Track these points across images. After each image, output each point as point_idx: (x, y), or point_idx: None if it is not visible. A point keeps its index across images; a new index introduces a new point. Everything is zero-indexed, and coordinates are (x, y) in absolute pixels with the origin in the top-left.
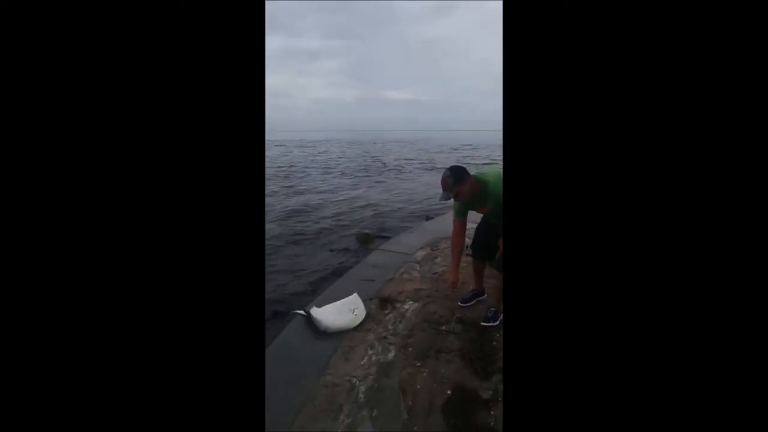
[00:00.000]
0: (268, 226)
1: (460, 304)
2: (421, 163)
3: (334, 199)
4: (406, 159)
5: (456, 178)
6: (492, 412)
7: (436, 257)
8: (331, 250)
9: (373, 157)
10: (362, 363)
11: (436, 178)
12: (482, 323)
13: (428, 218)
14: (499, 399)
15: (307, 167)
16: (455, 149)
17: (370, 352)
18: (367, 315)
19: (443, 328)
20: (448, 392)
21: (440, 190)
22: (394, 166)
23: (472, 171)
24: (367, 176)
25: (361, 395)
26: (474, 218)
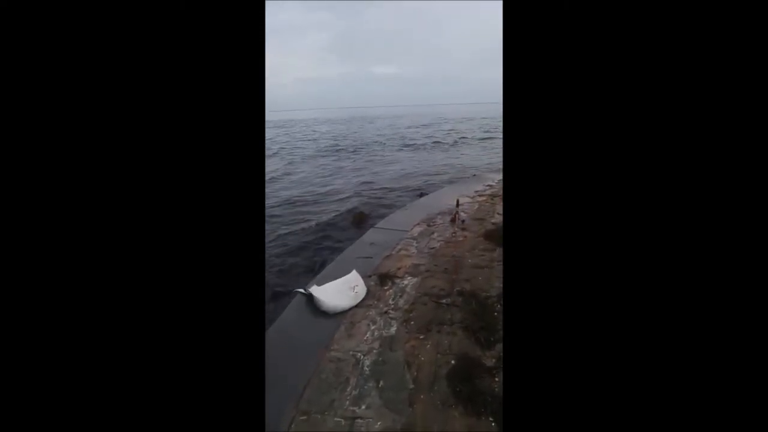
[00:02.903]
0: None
1: None
2: (393, 139)
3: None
4: (378, 137)
5: None
6: (497, 379)
7: (433, 233)
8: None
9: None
10: (365, 338)
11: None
12: None
13: (421, 195)
14: (502, 366)
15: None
16: (425, 125)
17: (372, 328)
18: (368, 292)
19: (444, 301)
20: (452, 362)
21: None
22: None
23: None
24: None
25: (366, 368)
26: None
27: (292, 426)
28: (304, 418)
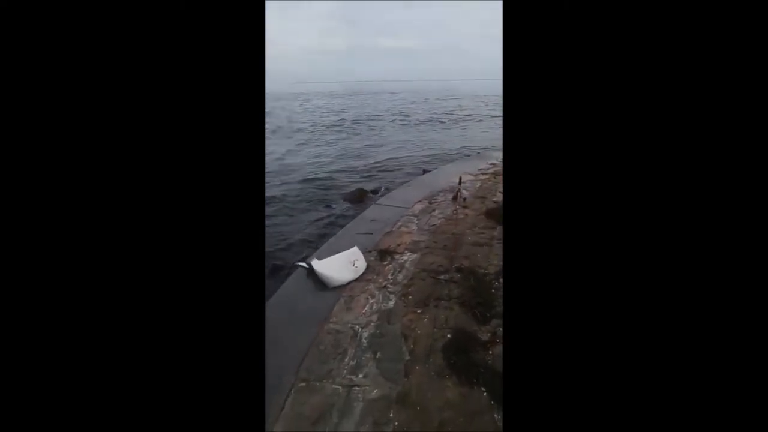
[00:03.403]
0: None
1: None
2: (395, 114)
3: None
4: (383, 112)
5: None
6: (490, 352)
7: (434, 210)
8: (328, 206)
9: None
10: (364, 311)
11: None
12: None
13: (425, 171)
14: (497, 340)
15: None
16: (430, 101)
17: (371, 301)
18: (367, 267)
19: (442, 277)
20: (448, 336)
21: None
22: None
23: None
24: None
25: (364, 340)
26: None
27: (292, 392)
28: (303, 385)
